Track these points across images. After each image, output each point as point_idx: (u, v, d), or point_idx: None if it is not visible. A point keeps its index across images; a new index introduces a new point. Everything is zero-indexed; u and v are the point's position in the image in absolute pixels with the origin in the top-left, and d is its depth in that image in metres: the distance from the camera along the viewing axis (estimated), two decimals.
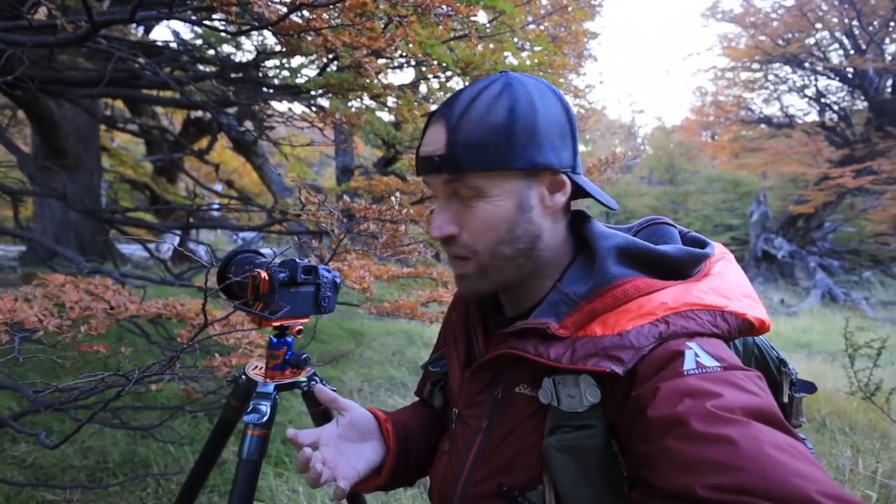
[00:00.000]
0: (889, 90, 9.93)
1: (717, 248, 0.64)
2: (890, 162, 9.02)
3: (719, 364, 0.49)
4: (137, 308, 1.36)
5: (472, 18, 2.01)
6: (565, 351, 0.54)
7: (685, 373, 0.48)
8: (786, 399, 0.63)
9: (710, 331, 0.53)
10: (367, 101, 3.06)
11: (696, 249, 0.60)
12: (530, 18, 2.81)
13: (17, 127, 6.43)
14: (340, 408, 0.73)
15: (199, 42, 3.72)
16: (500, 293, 0.69)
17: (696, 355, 0.50)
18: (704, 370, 0.48)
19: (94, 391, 1.17)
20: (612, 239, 0.60)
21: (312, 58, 3.07)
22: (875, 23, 9.32)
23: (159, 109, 7.29)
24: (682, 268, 0.58)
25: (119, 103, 7.02)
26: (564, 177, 0.60)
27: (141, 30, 4.91)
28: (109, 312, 1.34)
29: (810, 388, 0.65)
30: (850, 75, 10.30)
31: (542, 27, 3.25)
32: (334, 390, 0.99)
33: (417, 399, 0.87)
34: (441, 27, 2.04)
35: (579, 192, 0.63)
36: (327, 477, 0.63)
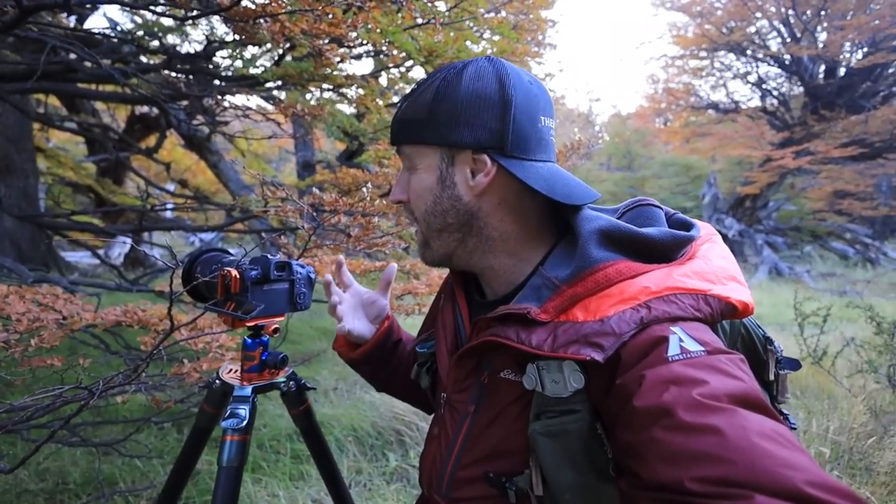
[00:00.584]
0: (822, 76, 10.63)
1: (704, 230, 0.64)
2: (825, 143, 9.68)
3: (703, 348, 0.49)
4: (94, 317, 1.27)
5: (435, 5, 1.98)
6: (547, 337, 0.53)
7: (670, 359, 0.48)
8: (771, 377, 0.64)
9: (693, 315, 0.53)
10: (326, 92, 2.97)
11: (681, 232, 0.60)
12: (490, 5, 2.80)
13: None
14: (383, 290, 0.90)
15: (140, 32, 3.47)
16: (479, 277, 0.69)
17: (681, 340, 0.50)
18: (689, 355, 0.48)
19: (50, 408, 1.09)
20: (596, 222, 0.59)
21: (267, 47, 2.94)
22: (808, 12, 9.92)
23: (100, 105, 6.80)
24: (667, 251, 0.58)
25: (54, 99, 6.49)
26: (486, 158, 0.60)
27: (73, 19, 4.54)
28: (62, 323, 1.24)
29: (795, 364, 0.66)
30: (787, 62, 10.95)
31: (501, 15, 3.24)
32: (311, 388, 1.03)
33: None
34: (401, 14, 1.99)
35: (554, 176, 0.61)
36: (341, 313, 0.86)
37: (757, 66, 11.81)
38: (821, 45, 9.91)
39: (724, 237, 10.79)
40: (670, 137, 14.93)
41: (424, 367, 0.77)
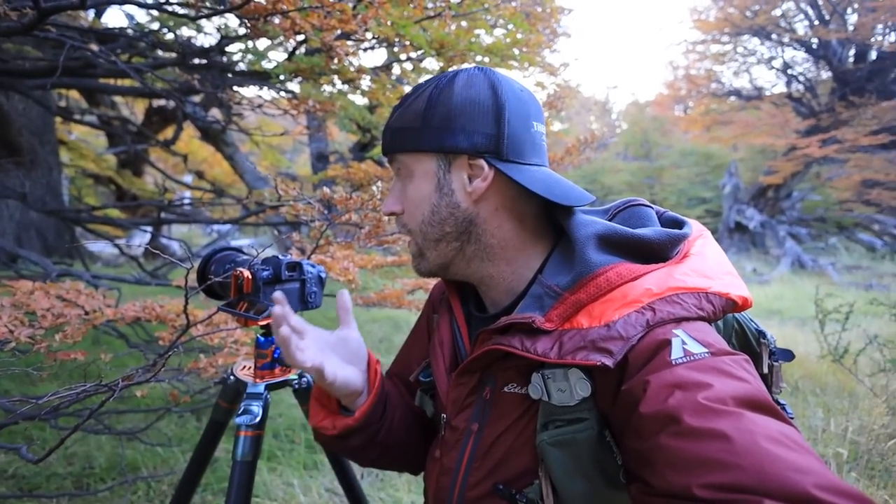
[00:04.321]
0: (852, 60, 10.19)
1: (695, 227, 0.65)
2: (853, 131, 9.31)
3: (707, 350, 0.49)
4: (114, 312, 1.31)
5: None
6: (552, 345, 0.53)
7: (673, 362, 0.48)
8: (766, 369, 0.65)
9: (696, 314, 0.53)
10: (339, 85, 2.97)
11: (675, 230, 0.61)
12: None
13: None
14: (347, 321, 0.69)
15: (156, 26, 3.51)
16: (477, 287, 0.68)
17: (684, 343, 0.50)
18: (692, 358, 0.48)
19: (75, 400, 1.13)
20: (591, 226, 0.59)
21: (280, 41, 2.94)
22: None
23: (119, 99, 6.93)
24: (663, 250, 0.58)
25: (74, 93, 6.64)
26: (483, 163, 0.60)
27: (92, 14, 4.61)
28: (85, 318, 1.28)
29: (788, 355, 0.67)
30: (815, 46, 10.51)
31: (514, 4, 3.18)
32: None
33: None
34: (413, 6, 1.97)
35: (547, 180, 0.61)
36: (306, 354, 0.60)
37: (782, 51, 11.38)
38: (851, 28, 9.48)
39: (745, 229, 10.59)
40: (690, 126, 14.53)
41: (428, 394, 0.74)
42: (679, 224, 0.64)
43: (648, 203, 0.67)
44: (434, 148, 0.60)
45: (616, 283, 0.54)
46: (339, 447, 0.71)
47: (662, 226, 0.64)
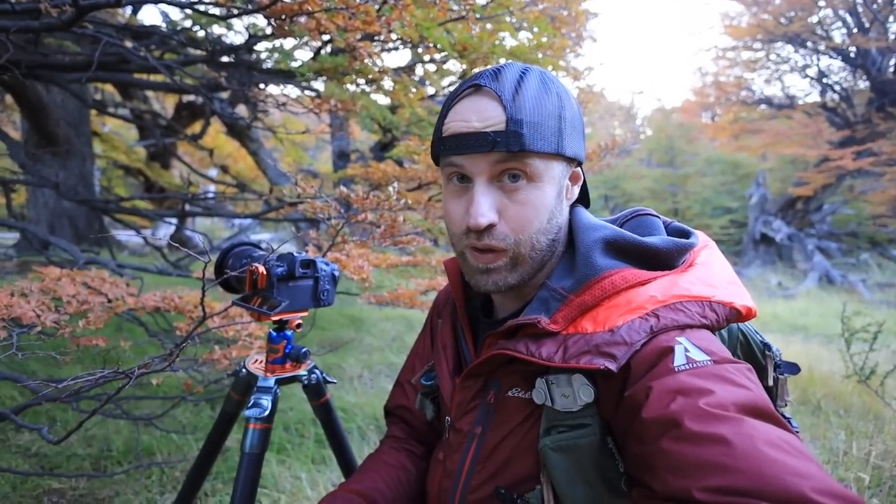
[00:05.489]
0: (892, 70, 9.79)
1: (700, 237, 0.65)
2: (890, 143, 8.95)
3: (709, 358, 0.49)
4: (135, 301, 1.35)
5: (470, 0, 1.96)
6: (557, 349, 0.53)
7: (676, 369, 0.48)
8: (770, 382, 0.64)
9: (700, 322, 0.53)
10: (362, 84, 3.00)
11: (682, 240, 0.61)
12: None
13: (5, 112, 6.31)
14: None
15: (189, 23, 3.61)
16: (496, 293, 0.68)
17: (686, 350, 0.50)
18: (695, 365, 0.48)
19: (96, 384, 1.17)
20: (600, 231, 0.60)
21: (305, 40, 2.99)
22: (879, 0, 9.14)
23: (150, 93, 7.15)
24: (669, 258, 0.58)
25: (109, 87, 6.88)
26: (580, 170, 0.63)
27: (129, 10, 4.77)
28: (107, 306, 1.33)
29: (794, 368, 0.66)
30: (852, 55, 10.14)
31: (540, 7, 3.16)
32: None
33: (387, 432, 0.85)
34: (437, 9, 1.98)
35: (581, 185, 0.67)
36: None
37: (818, 59, 11.02)
38: (892, 37, 9.12)
39: (771, 241, 10.27)
40: (717, 133, 14.19)
41: (429, 398, 0.74)
42: (685, 234, 0.64)
43: (656, 213, 0.68)
44: (571, 154, 0.58)
45: (621, 286, 0.54)
46: None
47: (669, 235, 0.64)
